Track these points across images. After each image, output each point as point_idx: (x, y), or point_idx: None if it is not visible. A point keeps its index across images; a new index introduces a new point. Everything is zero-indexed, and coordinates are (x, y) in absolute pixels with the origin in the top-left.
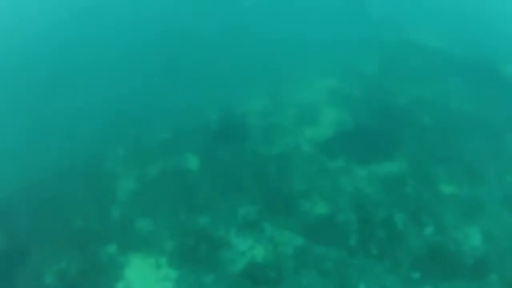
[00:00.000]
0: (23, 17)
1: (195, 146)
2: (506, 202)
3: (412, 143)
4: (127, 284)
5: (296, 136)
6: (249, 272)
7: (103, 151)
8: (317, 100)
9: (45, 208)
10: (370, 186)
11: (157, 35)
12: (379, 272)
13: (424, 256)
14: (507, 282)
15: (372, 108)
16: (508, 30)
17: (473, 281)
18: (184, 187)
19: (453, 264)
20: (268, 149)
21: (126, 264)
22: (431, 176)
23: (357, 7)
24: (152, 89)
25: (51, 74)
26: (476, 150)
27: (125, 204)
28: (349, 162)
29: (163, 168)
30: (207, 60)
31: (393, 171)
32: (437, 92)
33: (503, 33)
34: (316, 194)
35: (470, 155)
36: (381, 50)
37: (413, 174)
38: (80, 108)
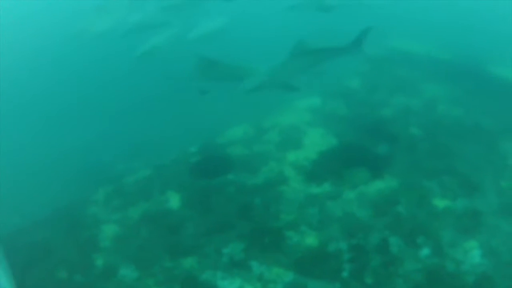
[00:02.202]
0: None
1: (175, 182)
2: (504, 211)
3: (401, 158)
4: None
5: (280, 162)
6: None
7: (83, 196)
8: (299, 122)
9: (27, 259)
10: (361, 210)
11: (128, 70)
12: None
13: (422, 280)
14: None
15: (357, 125)
16: (494, 31)
17: None
18: (167, 229)
19: (453, 286)
20: (252, 180)
21: None
22: (423, 191)
23: (333, 20)
24: (128, 126)
25: (24, 121)
26: (469, 159)
27: (109, 251)
28: (337, 185)
29: (145, 209)
30: (182, 89)
31: (384, 190)
32: (425, 100)
33: (489, 35)
34: (304, 224)
35: (463, 165)
36: (364, 62)
37: (404, 192)
38: (56, 153)
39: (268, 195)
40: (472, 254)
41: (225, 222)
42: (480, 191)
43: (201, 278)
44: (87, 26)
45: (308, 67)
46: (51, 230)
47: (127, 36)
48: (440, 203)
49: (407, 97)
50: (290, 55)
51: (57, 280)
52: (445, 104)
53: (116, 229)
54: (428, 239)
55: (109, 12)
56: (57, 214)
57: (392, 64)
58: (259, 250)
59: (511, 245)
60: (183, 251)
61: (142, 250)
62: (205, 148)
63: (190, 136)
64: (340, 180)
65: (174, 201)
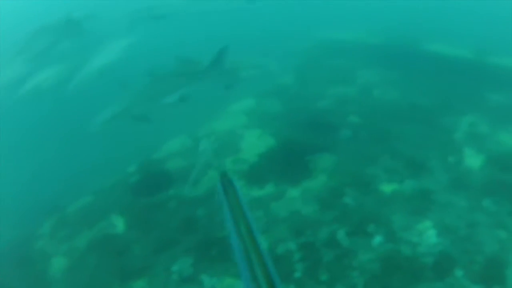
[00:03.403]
0: None
1: (117, 205)
2: (454, 186)
3: (342, 148)
4: None
5: (219, 170)
6: None
7: (29, 231)
8: (235, 126)
9: None
10: (306, 207)
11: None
12: None
13: (378, 269)
14: (475, 274)
15: (294, 121)
16: (423, 10)
17: (438, 282)
18: (114, 254)
19: (412, 270)
20: (193, 191)
21: None
22: (368, 179)
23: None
24: (63, 158)
25: None
26: (412, 139)
27: (60, 285)
28: (280, 185)
29: (91, 237)
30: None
31: (328, 184)
32: (360, 87)
33: (418, 14)
34: None
35: (407, 146)
36: (295, 57)
37: (349, 182)
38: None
39: (210, 205)
40: (427, 235)
41: (171, 239)
42: (427, 169)
43: None
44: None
45: (167, 93)
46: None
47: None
48: (387, 188)
49: (342, 86)
50: (147, 81)
51: None
52: (381, 88)
53: (65, 261)
54: (379, 226)
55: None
56: (3, 252)
57: (324, 55)
58: (208, 262)
59: (467, 219)
60: (132, 275)
61: (92, 280)
62: (143, 166)
63: (128, 156)
64: (282, 179)
65: (118, 224)
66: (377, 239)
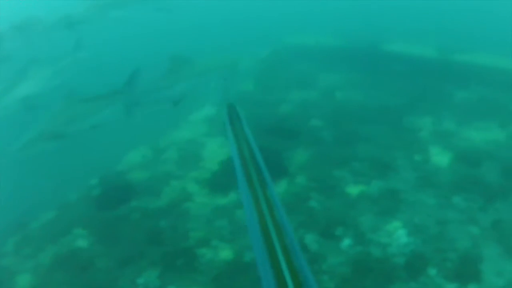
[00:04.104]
0: None
1: (80, 219)
2: (422, 185)
3: (306, 152)
4: None
5: (182, 180)
6: None
7: None
8: (196, 135)
9: None
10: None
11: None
12: None
13: (349, 272)
14: (449, 271)
15: (256, 127)
16: (385, 11)
17: (411, 282)
18: (79, 269)
19: (384, 271)
20: (156, 203)
21: None
22: (334, 181)
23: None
24: (24, 173)
25: None
26: (378, 140)
27: None
28: None
29: (55, 253)
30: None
31: (292, 188)
32: (322, 91)
33: (380, 16)
34: (216, 238)
35: (372, 147)
36: (255, 63)
37: (315, 187)
38: None
39: (174, 216)
40: (397, 235)
41: (136, 251)
42: (394, 169)
43: None
44: None
45: (83, 115)
46: None
47: None
48: (353, 190)
49: (304, 91)
50: (63, 103)
51: None
52: (343, 91)
53: (31, 279)
54: (347, 229)
55: None
56: None
57: (284, 60)
58: (174, 274)
59: (437, 217)
60: None
61: None
62: (105, 179)
63: (89, 169)
64: None
65: (82, 238)
66: (346, 242)
